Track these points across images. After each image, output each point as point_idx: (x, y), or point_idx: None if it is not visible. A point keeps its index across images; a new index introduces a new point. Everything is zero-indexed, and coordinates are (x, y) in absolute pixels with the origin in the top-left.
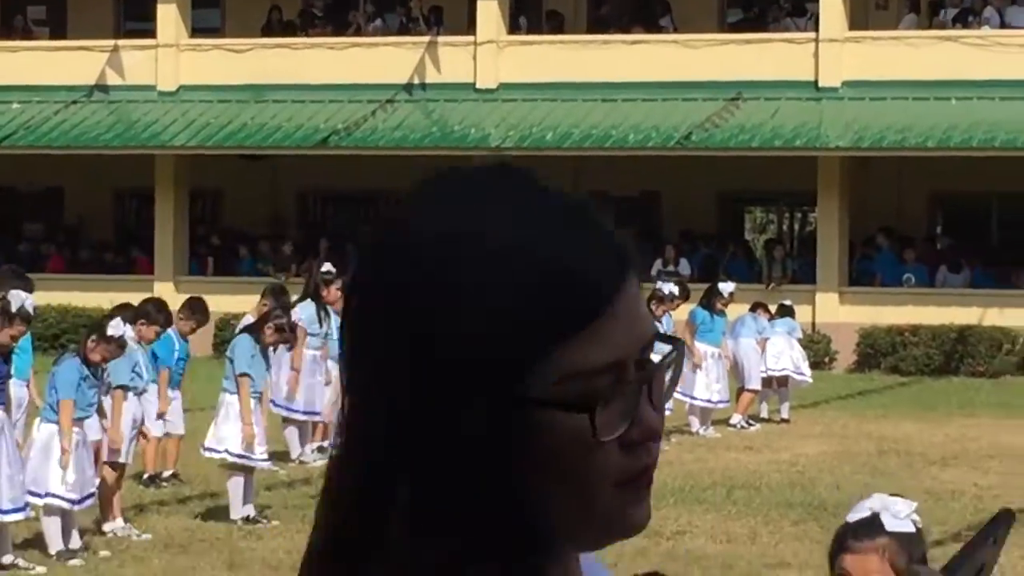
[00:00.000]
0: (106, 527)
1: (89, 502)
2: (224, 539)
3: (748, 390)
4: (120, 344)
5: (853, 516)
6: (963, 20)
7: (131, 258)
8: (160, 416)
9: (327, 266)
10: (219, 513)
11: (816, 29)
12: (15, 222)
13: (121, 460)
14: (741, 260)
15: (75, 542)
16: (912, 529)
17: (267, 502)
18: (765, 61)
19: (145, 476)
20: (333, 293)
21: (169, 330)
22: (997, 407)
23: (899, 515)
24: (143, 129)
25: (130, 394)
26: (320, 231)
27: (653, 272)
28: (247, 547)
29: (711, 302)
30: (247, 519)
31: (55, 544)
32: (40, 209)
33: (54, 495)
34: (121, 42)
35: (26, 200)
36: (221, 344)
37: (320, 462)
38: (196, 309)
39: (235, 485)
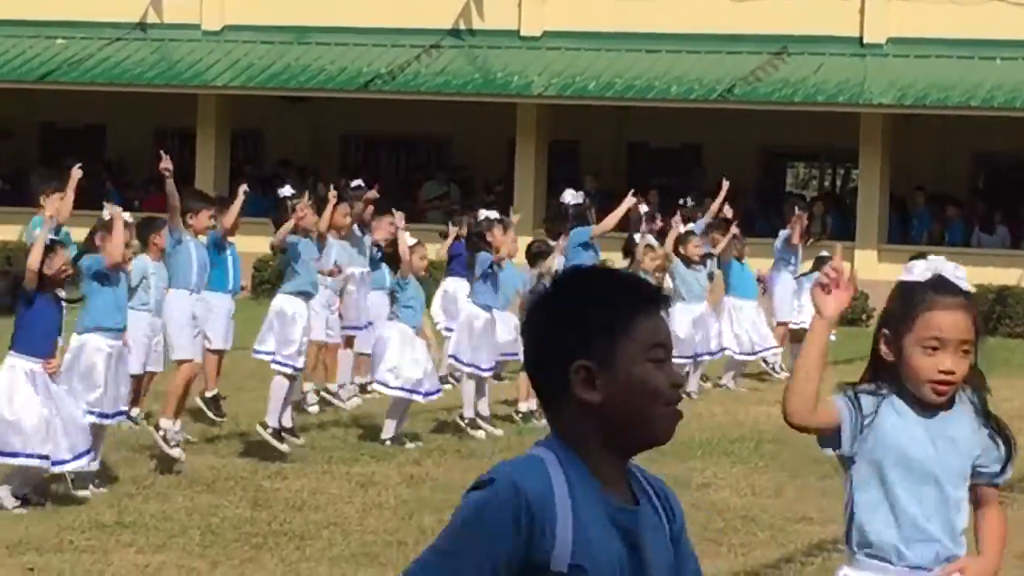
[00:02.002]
0: (162, 422)
1: (115, 420)
2: (249, 478)
3: (780, 324)
4: (105, 226)
5: (910, 276)
6: None
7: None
8: None
9: (357, 181)
10: (248, 452)
11: None
12: (56, 158)
13: (181, 356)
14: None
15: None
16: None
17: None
18: (811, 16)
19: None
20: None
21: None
22: None
23: (960, 276)
24: (186, 68)
25: (187, 292)
26: (360, 175)
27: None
28: (271, 487)
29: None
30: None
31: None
32: (81, 145)
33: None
34: None
35: (67, 136)
36: (260, 284)
37: (354, 400)
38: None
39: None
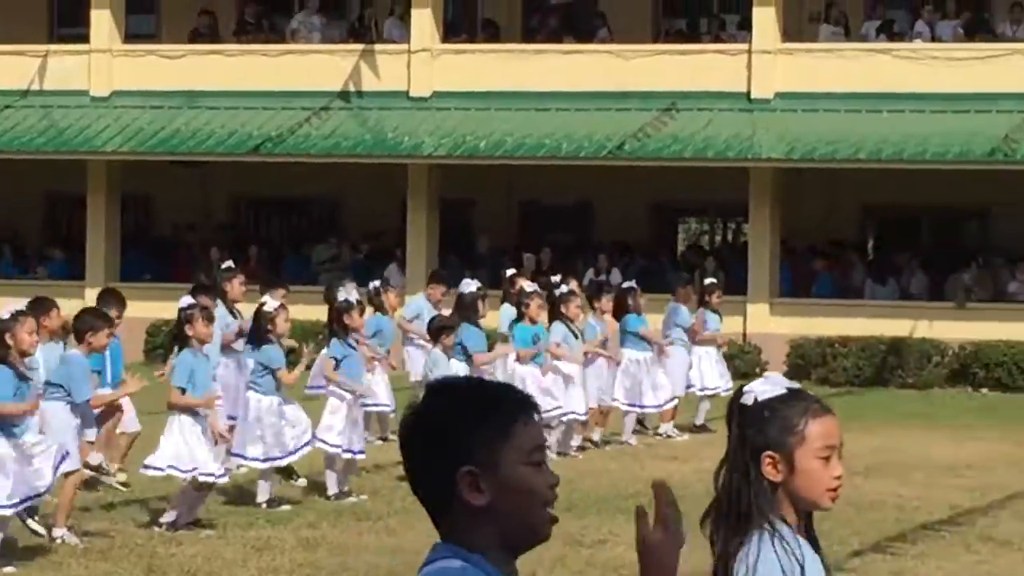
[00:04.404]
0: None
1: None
2: (144, 545)
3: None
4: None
5: (768, 394)
6: (888, 32)
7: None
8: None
9: (228, 263)
10: (144, 519)
11: (749, 41)
12: None
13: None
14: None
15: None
16: None
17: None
18: (698, 72)
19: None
20: (236, 288)
21: None
22: (924, 418)
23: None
24: (76, 134)
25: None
26: (252, 237)
27: (585, 282)
28: (166, 553)
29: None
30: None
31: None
32: None
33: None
34: (54, 47)
35: None
36: (152, 350)
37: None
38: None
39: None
